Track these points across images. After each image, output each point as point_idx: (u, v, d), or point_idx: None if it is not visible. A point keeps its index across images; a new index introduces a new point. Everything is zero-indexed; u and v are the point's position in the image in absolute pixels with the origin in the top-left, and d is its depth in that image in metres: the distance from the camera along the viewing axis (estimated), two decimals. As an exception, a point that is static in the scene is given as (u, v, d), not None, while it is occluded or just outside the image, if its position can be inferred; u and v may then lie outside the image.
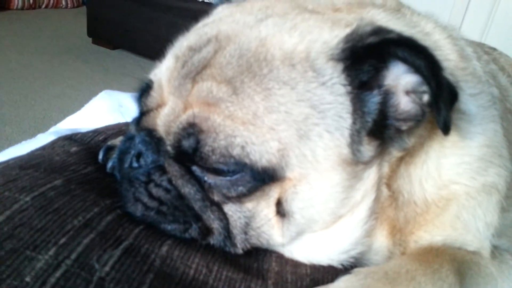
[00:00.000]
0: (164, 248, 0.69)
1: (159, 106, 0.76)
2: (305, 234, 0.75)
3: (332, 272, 0.74)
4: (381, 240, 0.78)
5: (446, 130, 0.64)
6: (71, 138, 1.00)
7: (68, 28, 5.70)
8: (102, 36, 4.99)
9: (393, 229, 0.78)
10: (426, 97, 0.66)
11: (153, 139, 0.75)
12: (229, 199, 0.71)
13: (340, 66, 0.68)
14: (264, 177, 0.68)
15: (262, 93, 0.67)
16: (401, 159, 0.76)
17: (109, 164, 0.89)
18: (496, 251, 0.81)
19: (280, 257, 0.78)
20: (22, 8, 6.19)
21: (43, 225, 0.63)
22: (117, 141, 0.95)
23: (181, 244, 0.72)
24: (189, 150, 0.69)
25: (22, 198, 0.68)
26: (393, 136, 0.71)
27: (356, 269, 0.70)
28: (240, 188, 0.69)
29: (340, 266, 0.76)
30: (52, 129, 1.57)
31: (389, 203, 0.77)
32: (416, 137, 0.74)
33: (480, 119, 0.80)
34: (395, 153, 0.74)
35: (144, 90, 0.81)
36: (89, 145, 0.98)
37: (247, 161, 0.66)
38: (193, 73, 0.71)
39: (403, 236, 0.78)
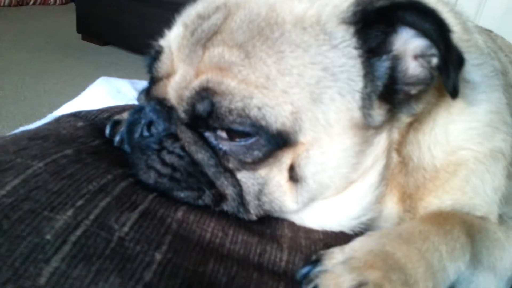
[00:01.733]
0: (180, 213, 0.69)
1: (169, 74, 0.76)
2: (317, 200, 0.75)
3: (344, 238, 0.75)
4: (391, 207, 0.79)
5: (454, 93, 0.65)
6: (76, 115, 0.99)
7: (57, 25, 5.63)
8: (92, 32, 4.94)
9: (403, 195, 0.78)
10: (434, 60, 0.67)
11: (164, 108, 0.75)
12: (243, 166, 0.72)
13: (351, 29, 0.69)
14: (278, 141, 0.69)
15: (274, 56, 0.67)
16: (410, 126, 0.77)
17: (117, 138, 0.89)
18: (501, 218, 0.83)
19: (292, 224, 0.78)
20: (9, 5, 6.10)
21: (58, 188, 0.63)
22: (123, 115, 0.95)
23: (196, 210, 0.72)
24: (204, 114, 0.69)
25: (35, 164, 0.67)
26: (402, 101, 0.72)
27: (369, 232, 0.71)
28: (256, 153, 0.69)
29: (351, 232, 0.77)
30: (49, 116, 1.56)
31: (399, 169, 0.78)
32: (424, 103, 0.75)
33: (485, 87, 0.82)
34: (404, 119, 0.75)
35: (153, 57, 0.81)
36: (94, 121, 0.97)
37: (263, 123, 0.67)
38: (204, 39, 0.72)
39: (413, 202, 0.79)
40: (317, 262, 0.64)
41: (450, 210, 0.77)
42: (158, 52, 0.79)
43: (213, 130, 0.71)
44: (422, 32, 0.65)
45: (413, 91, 0.71)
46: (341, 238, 0.75)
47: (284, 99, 0.67)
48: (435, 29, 0.63)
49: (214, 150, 0.72)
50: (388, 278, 0.60)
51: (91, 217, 0.60)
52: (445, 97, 0.75)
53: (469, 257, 0.70)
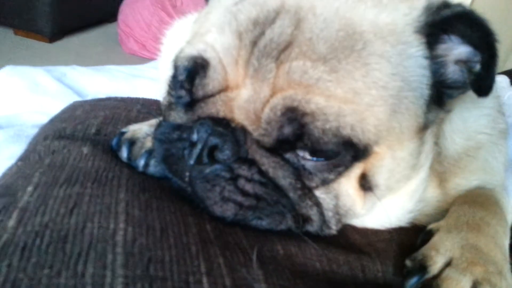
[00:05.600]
0: (279, 247, 0.64)
1: (223, 90, 0.67)
2: (379, 202, 0.77)
3: (406, 232, 0.79)
4: (432, 192, 0.85)
5: (488, 93, 0.71)
6: (62, 137, 0.81)
7: None
8: None
9: (440, 181, 0.85)
10: (478, 67, 0.72)
11: (227, 129, 0.66)
12: (323, 183, 0.69)
13: (423, 39, 0.69)
14: (361, 155, 0.67)
15: (362, 69, 0.64)
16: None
17: (141, 162, 0.76)
18: None
19: (353, 227, 0.79)
20: None
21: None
22: (135, 132, 0.81)
23: (285, 238, 0.67)
24: (291, 137, 0.63)
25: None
26: (445, 101, 0.77)
27: (433, 227, 0.76)
28: (341, 169, 0.67)
29: (407, 225, 0.81)
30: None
31: (436, 159, 0.83)
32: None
33: None
34: (441, 115, 0.80)
35: (191, 70, 0.70)
36: (93, 141, 0.81)
37: (355, 140, 0.64)
38: (275, 51, 0.64)
39: (447, 185, 0.86)
40: (421, 269, 0.66)
41: (476, 189, 0.87)
42: (202, 66, 0.68)
43: (295, 150, 0.66)
44: (472, 41, 0.69)
45: (455, 94, 0.75)
46: (403, 233, 0.79)
47: (370, 113, 0.65)
48: (484, 38, 0.67)
49: (297, 172, 0.67)
50: (488, 271, 0.66)
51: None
52: None
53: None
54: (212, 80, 0.67)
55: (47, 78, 1.36)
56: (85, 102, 1.11)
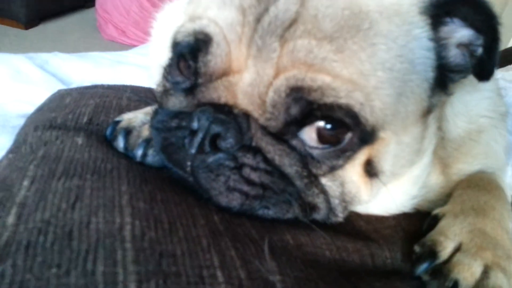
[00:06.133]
0: (288, 237, 0.62)
1: (226, 73, 0.64)
2: (383, 187, 0.76)
3: (410, 218, 0.78)
4: (435, 178, 0.84)
5: (489, 78, 0.71)
6: (52, 127, 0.77)
7: None
8: None
9: (443, 166, 0.84)
10: (480, 50, 0.71)
11: (230, 115, 0.64)
12: (330, 170, 0.67)
13: (428, 20, 0.67)
14: (369, 139, 0.66)
15: (368, 49, 0.62)
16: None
17: (139, 152, 0.73)
18: None
19: (357, 214, 0.78)
20: None
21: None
22: (125, 118, 0.78)
23: (293, 228, 0.65)
24: (299, 117, 0.61)
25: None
26: (448, 85, 0.75)
27: (438, 212, 0.76)
28: (348, 153, 0.65)
29: (411, 211, 0.80)
30: None
31: (440, 144, 0.83)
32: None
33: None
34: (444, 98, 0.79)
35: (194, 47, 0.66)
36: (86, 131, 0.77)
37: (363, 120, 0.62)
38: (279, 29, 0.61)
39: (449, 170, 0.86)
40: (430, 254, 0.66)
41: (478, 173, 0.87)
42: (205, 42, 0.65)
43: (300, 137, 0.64)
44: (474, 25, 0.68)
45: (457, 77, 0.74)
46: (407, 219, 0.78)
47: (375, 96, 0.63)
48: (487, 22, 0.66)
49: (303, 159, 0.65)
50: (497, 255, 0.66)
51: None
52: None
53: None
54: (215, 57, 0.64)
55: (29, 66, 1.30)
56: (72, 90, 1.06)
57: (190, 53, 0.67)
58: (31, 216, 0.48)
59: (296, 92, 0.60)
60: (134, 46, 2.78)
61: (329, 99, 0.59)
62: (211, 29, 0.64)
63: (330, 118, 0.61)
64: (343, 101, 0.60)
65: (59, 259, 0.42)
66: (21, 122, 0.92)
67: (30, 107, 1.04)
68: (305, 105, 0.60)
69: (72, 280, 0.40)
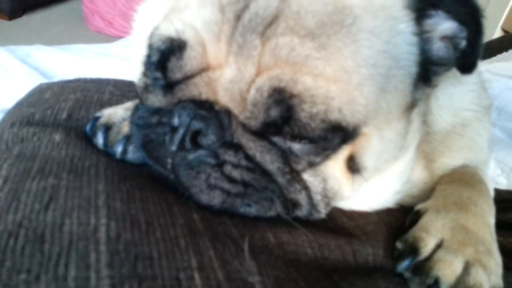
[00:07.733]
0: (270, 235, 0.62)
1: (204, 69, 0.63)
2: (366, 183, 0.76)
3: (394, 213, 0.78)
4: (419, 173, 0.84)
5: (472, 70, 0.70)
6: (30, 123, 0.76)
7: None
8: None
9: (427, 161, 0.84)
10: (463, 43, 0.70)
11: (211, 112, 0.63)
12: (310, 166, 0.66)
13: (412, 14, 0.66)
14: (349, 137, 0.65)
15: (351, 46, 0.61)
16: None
17: (119, 149, 0.72)
18: None
19: (340, 210, 0.77)
20: None
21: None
22: (105, 113, 0.77)
23: (275, 226, 0.65)
24: (279, 120, 0.60)
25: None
26: (431, 78, 0.75)
27: (421, 207, 0.76)
28: (328, 152, 0.65)
29: (395, 206, 0.80)
30: None
31: (424, 138, 0.82)
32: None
33: None
34: (427, 92, 0.78)
35: (166, 52, 0.65)
36: (65, 128, 0.75)
37: (344, 124, 0.62)
38: (260, 26, 0.60)
39: (433, 165, 0.85)
40: (412, 251, 0.66)
41: (461, 168, 0.87)
42: (179, 47, 0.63)
43: (286, 135, 0.63)
44: (458, 18, 0.67)
45: (441, 71, 0.73)
46: (390, 214, 0.78)
47: (359, 92, 0.62)
48: (470, 14, 0.66)
49: (285, 155, 0.64)
50: (478, 251, 0.66)
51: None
52: None
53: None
54: (190, 60, 0.63)
55: (10, 59, 1.27)
56: (53, 84, 1.04)
57: (164, 58, 0.65)
58: (2, 218, 0.47)
59: (279, 94, 0.59)
60: (121, 37, 2.74)
61: (306, 106, 0.59)
62: (186, 35, 0.63)
63: (310, 127, 0.60)
64: (320, 107, 0.59)
65: (29, 264, 0.41)
66: (0, 117, 0.90)
67: (10, 102, 1.01)
68: (284, 109, 0.59)
69: (42, 286, 0.39)
